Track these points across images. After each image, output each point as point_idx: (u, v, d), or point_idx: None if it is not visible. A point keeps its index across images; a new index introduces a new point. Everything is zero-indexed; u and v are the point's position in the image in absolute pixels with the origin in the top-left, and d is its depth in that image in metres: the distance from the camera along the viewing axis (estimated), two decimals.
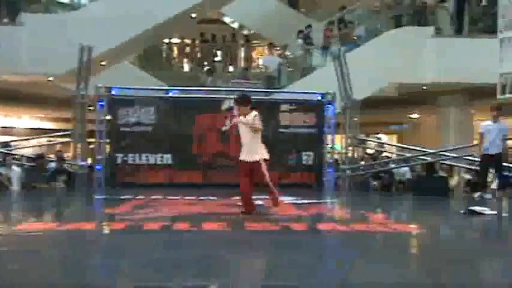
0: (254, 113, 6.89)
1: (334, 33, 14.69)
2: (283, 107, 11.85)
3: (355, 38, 14.22)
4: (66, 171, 11.27)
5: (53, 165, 11.67)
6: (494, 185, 9.73)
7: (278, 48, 15.34)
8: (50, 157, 12.40)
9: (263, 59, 14.87)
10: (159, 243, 4.83)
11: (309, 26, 15.11)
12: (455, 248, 5.12)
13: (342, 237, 5.51)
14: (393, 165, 12.13)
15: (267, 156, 6.80)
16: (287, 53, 15.05)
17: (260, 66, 15.50)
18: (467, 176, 11.09)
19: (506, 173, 9.59)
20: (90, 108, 11.97)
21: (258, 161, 6.65)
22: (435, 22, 14.15)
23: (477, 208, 7.32)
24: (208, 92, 12.66)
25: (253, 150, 6.73)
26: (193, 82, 15.10)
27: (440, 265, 4.24)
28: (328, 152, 11.93)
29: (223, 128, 7.29)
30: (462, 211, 7.41)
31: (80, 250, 4.60)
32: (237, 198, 8.45)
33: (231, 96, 11.91)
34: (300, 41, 14.81)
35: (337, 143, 12.63)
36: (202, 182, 11.27)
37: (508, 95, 11.92)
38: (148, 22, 13.35)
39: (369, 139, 14.02)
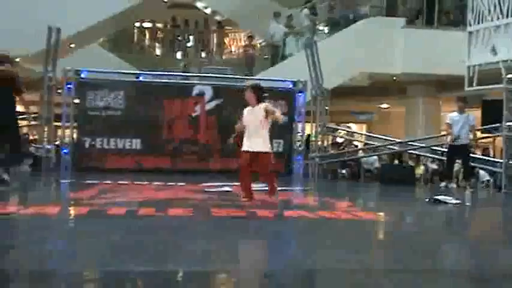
0: (264, 104, 6.67)
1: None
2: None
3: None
4: (32, 155, 11.00)
5: None
6: (460, 175, 9.91)
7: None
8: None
9: (269, 27, 14.48)
10: (122, 229, 4.73)
11: None
12: (418, 235, 5.17)
13: (308, 223, 5.50)
14: (362, 154, 12.23)
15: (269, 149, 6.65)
16: (292, 23, 14.66)
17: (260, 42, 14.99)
18: (434, 166, 11.26)
19: (472, 164, 9.79)
20: (59, 91, 11.69)
21: (260, 152, 6.51)
22: (406, 13, 14.26)
23: (441, 197, 7.43)
24: (180, 77, 12.50)
25: (257, 141, 6.56)
26: (165, 67, 14.88)
27: (403, 252, 4.27)
28: (298, 140, 11.95)
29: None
30: (427, 200, 7.52)
31: (41, 235, 4.47)
32: (205, 184, 8.41)
33: (203, 82, 11.90)
34: (306, 10, 14.51)
35: (307, 131, 12.67)
36: (171, 168, 11.16)
37: (475, 87, 12.14)
38: (119, 5, 13.06)
39: (338, 127, 14.10)
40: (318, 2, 14.63)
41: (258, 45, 15.83)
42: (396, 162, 11.78)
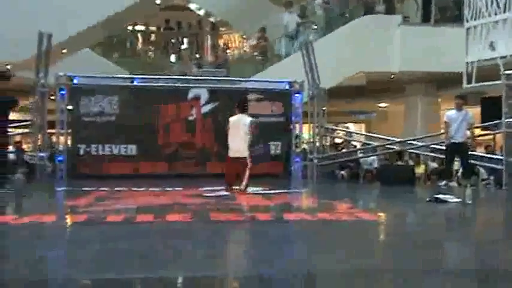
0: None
1: None
2: (250, 96, 11.83)
3: None
4: (26, 163, 11.04)
5: (11, 156, 11.40)
6: (460, 173, 9.98)
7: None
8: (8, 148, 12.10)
9: (282, 16, 14.58)
10: (121, 235, 4.80)
11: None
12: (420, 235, 5.25)
13: (308, 226, 5.57)
14: (360, 155, 12.31)
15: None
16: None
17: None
18: (434, 164, 11.34)
19: (471, 161, 9.86)
20: (51, 97, 11.73)
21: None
22: (403, 10, 14.34)
23: (442, 196, 7.52)
24: (174, 81, 12.55)
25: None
26: (159, 70, 14.94)
27: (404, 252, 4.34)
28: (296, 142, 12.02)
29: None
30: (427, 199, 7.60)
31: (38, 244, 4.53)
32: (203, 189, 8.47)
33: (198, 86, 11.94)
34: (319, 0, 14.50)
35: (304, 132, 12.75)
36: (168, 173, 11.21)
37: (473, 84, 12.23)
38: (111, 8, 13.12)
39: (336, 128, 14.18)
40: None
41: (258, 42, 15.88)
42: (397, 161, 11.86)
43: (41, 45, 10.78)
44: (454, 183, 9.99)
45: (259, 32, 14.78)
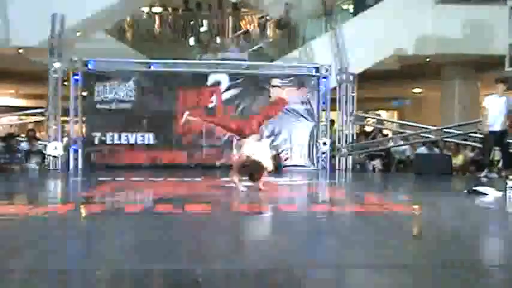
0: None
1: None
2: (274, 81, 11.86)
3: None
4: (40, 152, 11.28)
5: (24, 145, 11.66)
6: (501, 164, 9.85)
7: None
8: (21, 137, 12.38)
9: None
10: (139, 226, 4.89)
11: None
12: (455, 230, 5.22)
13: (335, 218, 5.59)
14: (393, 144, 12.23)
15: None
16: None
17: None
18: (471, 154, 11.21)
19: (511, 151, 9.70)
20: (65, 83, 11.91)
21: None
22: None
23: (481, 188, 7.44)
24: (194, 66, 12.61)
25: None
26: (177, 54, 14.99)
27: (438, 247, 4.33)
28: (323, 130, 11.99)
29: None
30: (465, 191, 7.53)
31: (54, 234, 4.65)
32: (224, 179, 8.54)
33: (219, 70, 11.98)
34: None
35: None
36: (187, 163, 11.32)
37: None
38: None
39: (367, 115, 14.09)
40: None
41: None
42: (433, 151, 11.75)
43: (54, 29, 10.93)
44: (494, 175, 9.87)
45: None
